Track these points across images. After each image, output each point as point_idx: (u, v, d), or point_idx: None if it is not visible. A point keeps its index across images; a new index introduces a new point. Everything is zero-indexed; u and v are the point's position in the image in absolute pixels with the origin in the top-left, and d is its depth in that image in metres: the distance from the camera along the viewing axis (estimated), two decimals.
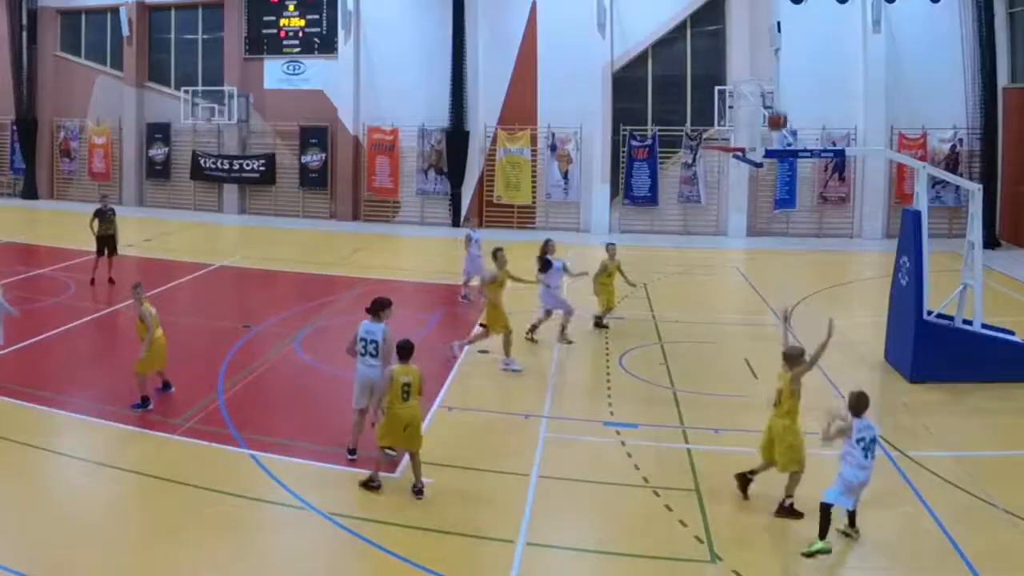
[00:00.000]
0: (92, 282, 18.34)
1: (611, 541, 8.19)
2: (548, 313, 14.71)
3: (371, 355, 9.65)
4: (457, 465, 9.65)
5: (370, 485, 9.01)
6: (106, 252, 18.55)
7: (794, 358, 8.64)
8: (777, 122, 12.66)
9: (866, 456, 7.84)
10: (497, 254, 13.75)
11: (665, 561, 7.77)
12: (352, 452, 9.79)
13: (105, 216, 18.68)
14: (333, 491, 9.01)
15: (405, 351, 8.94)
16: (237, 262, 22.03)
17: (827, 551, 7.72)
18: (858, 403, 8.03)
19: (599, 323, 15.49)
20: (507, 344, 13.34)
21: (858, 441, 7.82)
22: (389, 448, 9.24)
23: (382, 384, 9.02)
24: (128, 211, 28.41)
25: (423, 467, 8.93)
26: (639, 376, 12.95)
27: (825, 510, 7.84)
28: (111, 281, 18.47)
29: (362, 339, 9.72)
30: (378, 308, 9.76)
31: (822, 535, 7.77)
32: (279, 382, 12.59)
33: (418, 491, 8.88)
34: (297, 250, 24.54)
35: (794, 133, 18.40)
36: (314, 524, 8.28)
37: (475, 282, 17.10)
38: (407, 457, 9.18)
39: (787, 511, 8.47)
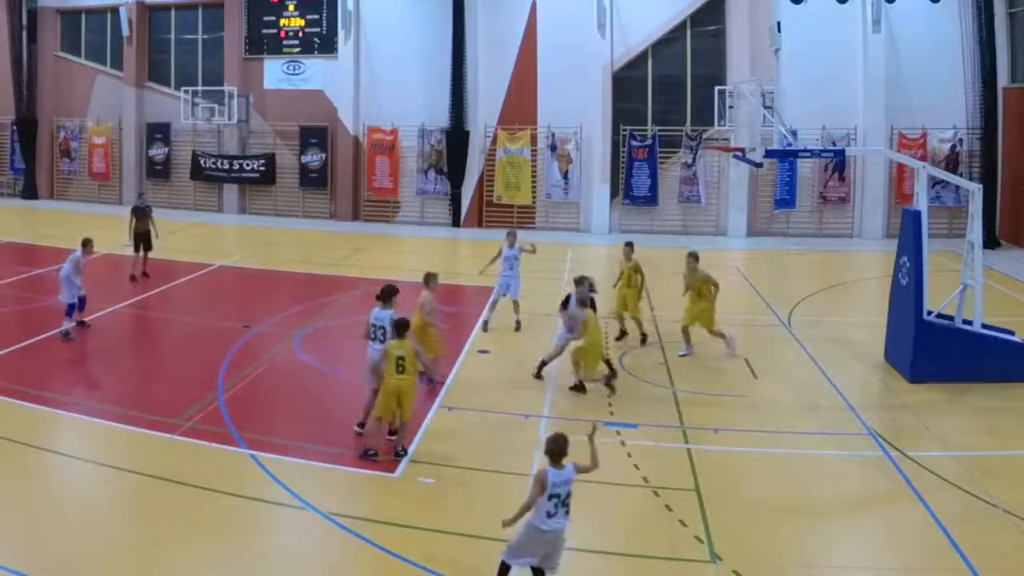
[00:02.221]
0: (132, 278, 18.87)
1: (611, 541, 8.20)
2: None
3: (379, 340, 10.13)
4: (457, 465, 9.65)
5: (367, 455, 9.55)
6: (142, 248, 19.14)
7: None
8: (583, 280, 12.50)
9: (557, 509, 6.56)
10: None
11: (665, 561, 7.76)
12: (361, 426, 10.24)
13: (142, 213, 19.43)
14: (333, 491, 9.01)
15: (401, 327, 9.65)
16: (237, 262, 22.03)
17: None
18: (555, 448, 6.65)
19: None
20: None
21: (551, 497, 6.56)
22: (373, 451, 9.68)
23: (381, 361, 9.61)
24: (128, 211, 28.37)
25: (423, 466, 8.99)
26: (639, 376, 12.95)
27: (503, 570, 6.76)
28: (145, 275, 18.99)
29: (372, 325, 10.30)
30: (387, 295, 10.38)
31: None
32: (279, 382, 12.57)
33: (402, 452, 9.63)
34: (297, 250, 24.54)
35: (794, 133, 18.41)
36: (314, 524, 8.27)
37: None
38: (406, 458, 9.46)
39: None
